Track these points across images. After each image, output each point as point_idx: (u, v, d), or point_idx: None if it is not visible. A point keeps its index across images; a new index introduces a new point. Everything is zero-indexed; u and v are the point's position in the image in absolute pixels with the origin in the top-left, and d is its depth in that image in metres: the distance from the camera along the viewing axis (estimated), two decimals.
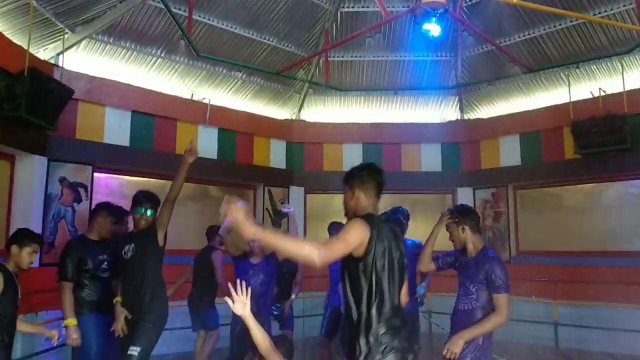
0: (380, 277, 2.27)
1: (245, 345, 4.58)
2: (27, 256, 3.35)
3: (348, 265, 2.32)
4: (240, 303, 2.29)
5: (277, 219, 8.32)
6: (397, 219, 4.28)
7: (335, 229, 5.18)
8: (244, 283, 2.34)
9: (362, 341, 2.21)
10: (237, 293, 2.29)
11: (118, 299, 3.74)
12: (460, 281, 3.25)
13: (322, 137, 8.89)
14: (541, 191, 8.27)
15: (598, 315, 6.71)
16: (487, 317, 3.01)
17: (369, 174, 2.49)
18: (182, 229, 6.65)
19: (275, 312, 5.65)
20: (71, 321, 3.75)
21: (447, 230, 3.39)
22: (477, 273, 3.10)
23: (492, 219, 8.42)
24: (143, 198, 3.77)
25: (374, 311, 2.24)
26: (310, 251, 2.07)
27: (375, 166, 2.57)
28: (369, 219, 2.33)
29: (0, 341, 3.22)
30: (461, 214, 3.31)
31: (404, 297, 2.45)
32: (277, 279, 5.11)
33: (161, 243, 3.75)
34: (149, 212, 3.74)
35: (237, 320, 4.63)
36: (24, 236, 3.40)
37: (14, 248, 3.34)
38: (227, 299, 2.28)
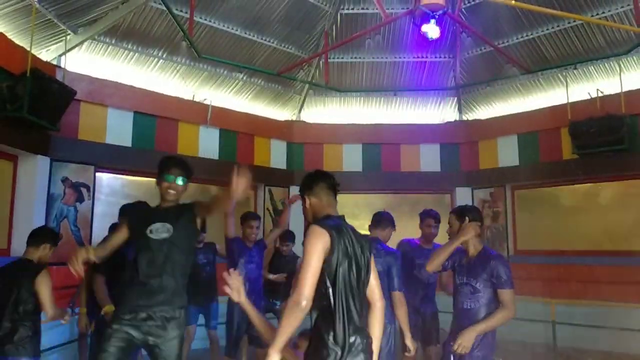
0: (344, 274, 2.28)
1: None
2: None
3: None
4: (235, 290, 2.34)
5: (278, 219, 8.37)
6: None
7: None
8: (236, 271, 2.40)
9: (330, 340, 2.21)
10: (230, 280, 2.34)
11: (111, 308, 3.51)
12: (464, 281, 3.26)
13: (322, 137, 8.94)
14: (539, 191, 8.31)
15: (596, 315, 6.75)
16: (495, 313, 3.08)
17: (312, 179, 2.56)
18: None
19: (276, 307, 5.74)
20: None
21: (449, 228, 3.45)
22: (483, 271, 3.16)
23: (490, 219, 8.48)
24: (171, 163, 3.09)
25: (340, 309, 2.24)
26: (293, 307, 2.12)
27: (318, 170, 2.65)
28: (324, 221, 2.36)
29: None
30: (465, 212, 3.37)
31: (375, 295, 2.49)
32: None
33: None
34: (180, 180, 3.05)
35: (232, 319, 4.70)
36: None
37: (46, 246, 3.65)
38: (225, 287, 2.33)
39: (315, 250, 2.22)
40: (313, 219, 2.49)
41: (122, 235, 3.06)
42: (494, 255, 3.21)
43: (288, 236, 6.01)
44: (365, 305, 2.41)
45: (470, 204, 8.54)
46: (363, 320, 2.36)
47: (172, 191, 3.03)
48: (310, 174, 2.62)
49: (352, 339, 2.23)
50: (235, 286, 2.35)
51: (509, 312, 3.07)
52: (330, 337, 2.21)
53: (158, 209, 3.09)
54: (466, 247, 3.33)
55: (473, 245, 3.29)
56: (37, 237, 3.69)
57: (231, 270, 2.42)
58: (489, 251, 3.27)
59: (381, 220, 4.18)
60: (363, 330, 2.33)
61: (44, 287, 3.42)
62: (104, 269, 3.87)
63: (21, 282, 3.42)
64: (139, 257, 2.91)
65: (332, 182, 2.56)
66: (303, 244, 2.29)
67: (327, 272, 2.25)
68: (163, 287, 2.88)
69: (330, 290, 2.25)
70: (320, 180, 2.55)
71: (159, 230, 2.93)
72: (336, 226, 2.34)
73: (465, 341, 3.03)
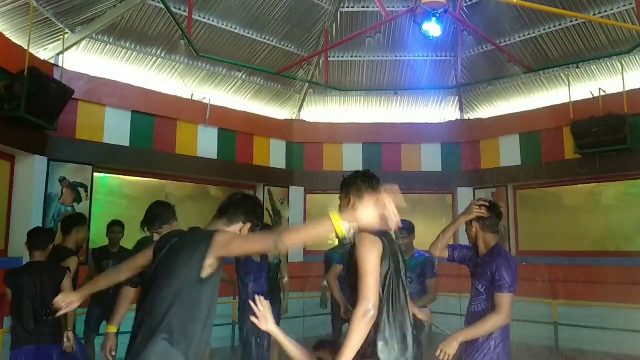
0: (392, 281, 2.24)
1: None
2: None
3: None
4: (263, 318, 2.24)
5: (277, 219, 8.33)
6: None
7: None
8: (262, 298, 2.27)
9: (379, 346, 2.16)
10: (257, 309, 2.23)
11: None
12: (471, 282, 3.11)
13: (322, 137, 8.90)
14: (541, 191, 8.26)
15: (598, 315, 6.71)
16: (486, 317, 2.85)
17: (364, 180, 2.44)
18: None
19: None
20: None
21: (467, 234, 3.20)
22: (485, 272, 2.96)
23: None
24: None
25: (388, 317, 2.21)
26: (363, 317, 2.08)
27: (370, 172, 2.51)
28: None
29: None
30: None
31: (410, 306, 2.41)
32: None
33: None
34: None
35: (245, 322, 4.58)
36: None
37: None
38: (252, 318, 2.22)
39: (374, 257, 2.18)
40: None
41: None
42: (498, 256, 2.95)
43: None
44: (408, 312, 2.32)
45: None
46: (407, 326, 2.27)
47: None
48: (362, 173, 2.49)
49: (401, 345, 2.19)
50: (262, 314, 2.25)
51: (500, 317, 2.80)
52: (380, 344, 2.16)
53: None
54: (470, 241, 3.14)
55: (483, 242, 3.06)
56: (44, 239, 3.87)
57: (257, 297, 2.29)
58: (496, 251, 3.00)
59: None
60: (408, 337, 2.26)
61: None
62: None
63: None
64: None
65: (378, 187, 2.42)
66: (357, 252, 2.21)
67: (380, 280, 2.21)
68: None
69: (382, 296, 2.20)
70: (371, 184, 2.42)
71: None
72: (384, 233, 2.28)
73: (447, 347, 2.79)
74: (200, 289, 2.11)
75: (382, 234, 2.28)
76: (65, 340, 3.74)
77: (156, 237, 3.05)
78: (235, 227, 2.30)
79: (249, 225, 2.33)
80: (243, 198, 2.41)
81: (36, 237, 3.84)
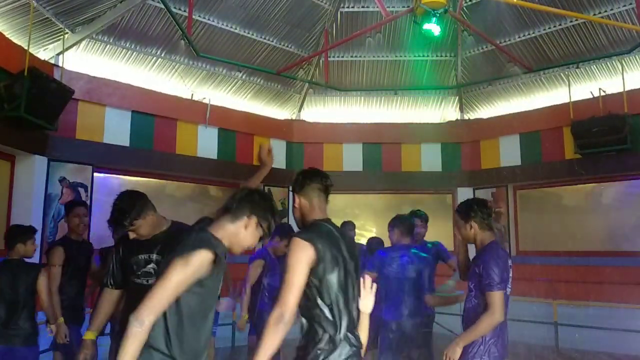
0: (333, 282, 2.24)
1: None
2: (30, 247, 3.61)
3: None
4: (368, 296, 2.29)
5: (277, 219, 8.32)
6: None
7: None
8: (367, 277, 2.31)
9: (321, 345, 2.21)
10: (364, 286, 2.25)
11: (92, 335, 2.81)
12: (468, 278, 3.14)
13: (322, 137, 8.89)
14: (541, 191, 8.26)
15: (598, 315, 6.70)
16: (480, 318, 2.85)
17: (305, 178, 2.42)
18: None
19: None
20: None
21: (455, 230, 3.26)
22: (474, 270, 2.95)
23: (492, 220, 8.42)
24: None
25: (329, 317, 2.22)
26: (277, 321, 2.07)
27: (312, 169, 2.50)
28: (309, 231, 2.30)
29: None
30: (468, 210, 3.07)
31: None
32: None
33: None
34: None
35: None
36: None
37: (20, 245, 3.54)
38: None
39: (299, 265, 2.18)
40: (301, 221, 2.43)
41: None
42: (487, 253, 2.93)
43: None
44: (357, 311, 2.33)
45: None
46: (352, 326, 2.29)
47: None
48: (304, 171, 2.48)
49: (343, 342, 2.21)
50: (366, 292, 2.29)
51: (492, 317, 2.80)
52: (322, 344, 2.18)
53: None
54: (473, 241, 3.10)
55: (480, 241, 3.03)
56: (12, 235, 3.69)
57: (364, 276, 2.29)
58: (489, 248, 2.97)
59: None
60: (352, 337, 2.28)
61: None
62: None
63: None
64: None
65: (326, 183, 2.42)
66: (287, 256, 2.22)
67: (316, 282, 2.21)
68: None
69: (319, 299, 2.21)
70: (313, 180, 2.41)
71: None
72: (324, 233, 2.28)
73: (450, 353, 2.85)
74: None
75: (327, 233, 2.29)
76: (48, 331, 3.68)
77: (132, 235, 2.73)
78: (240, 224, 2.15)
79: (254, 219, 2.15)
80: (249, 192, 2.28)
81: (7, 234, 3.70)
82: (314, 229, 2.31)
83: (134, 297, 2.41)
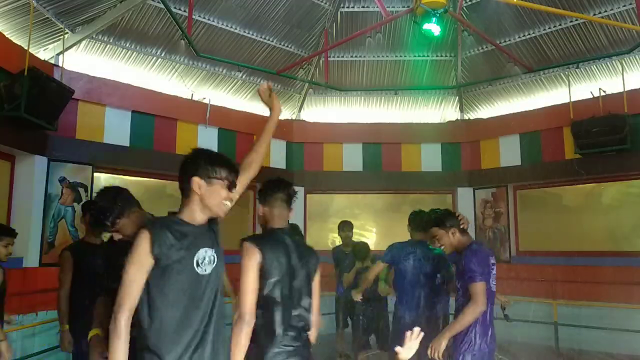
0: (278, 286, 2.44)
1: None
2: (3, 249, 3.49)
3: None
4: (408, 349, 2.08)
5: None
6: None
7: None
8: (417, 330, 2.07)
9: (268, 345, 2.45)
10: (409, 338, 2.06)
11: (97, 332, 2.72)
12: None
13: (322, 137, 8.89)
14: (541, 191, 8.26)
15: (598, 315, 6.71)
16: (464, 310, 3.00)
17: (268, 189, 2.64)
18: None
19: None
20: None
21: (437, 241, 3.33)
22: (458, 269, 3.17)
23: (492, 219, 8.42)
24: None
25: (274, 318, 2.44)
26: (239, 324, 2.32)
27: (277, 180, 2.70)
28: (259, 237, 2.55)
29: None
30: (444, 219, 3.28)
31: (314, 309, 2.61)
32: None
33: None
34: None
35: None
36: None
37: None
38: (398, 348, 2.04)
39: (249, 266, 2.41)
40: (262, 227, 2.65)
41: None
42: (467, 250, 3.14)
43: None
44: (302, 315, 2.53)
45: (471, 204, 8.53)
46: (297, 326, 2.50)
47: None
48: (269, 182, 2.68)
49: (286, 341, 2.45)
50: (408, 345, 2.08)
51: (476, 306, 2.96)
52: (261, 340, 2.41)
53: None
54: (448, 251, 3.31)
55: (462, 244, 3.21)
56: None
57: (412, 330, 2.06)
58: (469, 247, 3.18)
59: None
60: (298, 338, 2.50)
61: None
62: None
63: None
64: None
65: (289, 193, 2.63)
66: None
67: (263, 284, 2.43)
68: None
69: (265, 300, 2.43)
70: (276, 191, 2.62)
71: None
72: (274, 241, 2.50)
73: (436, 344, 2.99)
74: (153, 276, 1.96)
75: (276, 240, 2.51)
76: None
77: (117, 236, 2.57)
78: (191, 192, 2.13)
79: (196, 178, 2.11)
80: (181, 164, 2.27)
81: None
82: (265, 236, 2.57)
83: None
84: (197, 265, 1.99)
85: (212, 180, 2.09)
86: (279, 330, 2.42)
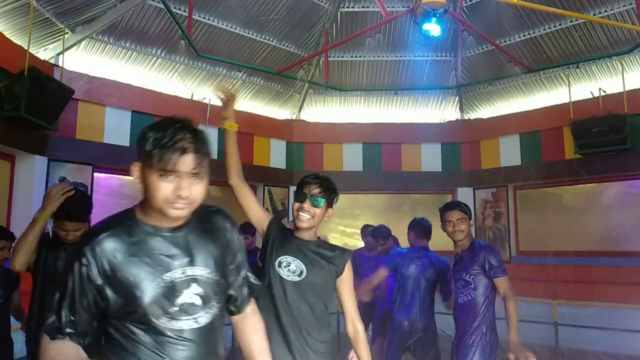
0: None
1: None
2: None
3: None
4: None
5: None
6: None
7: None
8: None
9: None
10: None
11: None
12: (455, 277, 3.28)
13: (322, 137, 8.89)
14: (541, 191, 8.26)
15: (598, 315, 6.70)
16: (507, 310, 3.08)
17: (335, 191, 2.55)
18: None
19: None
20: None
21: (456, 224, 3.26)
22: (471, 263, 3.17)
23: (492, 219, 8.42)
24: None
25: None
26: None
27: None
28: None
29: None
30: (468, 208, 3.36)
31: None
32: None
33: None
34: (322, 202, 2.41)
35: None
36: None
37: None
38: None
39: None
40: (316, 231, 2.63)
41: None
42: (483, 246, 3.25)
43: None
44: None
45: (471, 204, 8.52)
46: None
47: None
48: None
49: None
50: None
51: (514, 300, 3.08)
52: None
53: None
54: (463, 240, 3.30)
55: (470, 235, 3.31)
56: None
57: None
58: (478, 243, 3.30)
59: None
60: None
61: None
62: None
63: None
64: None
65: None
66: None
67: None
68: None
69: None
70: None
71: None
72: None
73: (515, 352, 3.08)
74: None
75: None
76: None
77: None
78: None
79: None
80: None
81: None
82: None
83: None
84: None
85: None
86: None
